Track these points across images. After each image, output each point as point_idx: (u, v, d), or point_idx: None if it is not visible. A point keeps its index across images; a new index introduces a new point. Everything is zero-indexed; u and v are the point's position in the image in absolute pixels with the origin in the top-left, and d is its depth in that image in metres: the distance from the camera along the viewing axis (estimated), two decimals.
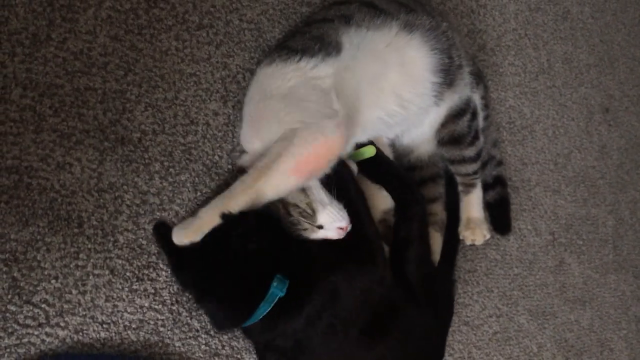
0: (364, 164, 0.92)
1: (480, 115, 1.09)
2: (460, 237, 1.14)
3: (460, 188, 1.13)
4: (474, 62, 1.14)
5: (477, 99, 1.07)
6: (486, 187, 1.25)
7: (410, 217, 0.94)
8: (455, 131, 1.00)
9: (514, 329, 1.39)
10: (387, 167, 0.95)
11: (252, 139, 0.82)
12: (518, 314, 1.39)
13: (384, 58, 0.84)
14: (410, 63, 0.86)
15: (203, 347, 0.82)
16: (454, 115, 0.98)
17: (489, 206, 1.28)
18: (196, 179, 0.84)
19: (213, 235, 0.74)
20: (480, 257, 1.30)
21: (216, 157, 0.86)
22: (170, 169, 0.81)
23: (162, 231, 0.77)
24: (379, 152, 0.92)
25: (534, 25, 1.52)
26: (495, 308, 1.33)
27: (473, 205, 1.14)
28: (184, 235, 0.75)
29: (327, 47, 0.80)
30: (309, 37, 0.83)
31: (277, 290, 0.74)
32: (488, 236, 1.14)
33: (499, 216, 1.30)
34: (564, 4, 1.61)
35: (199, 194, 0.83)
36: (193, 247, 0.74)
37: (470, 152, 1.05)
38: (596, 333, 1.69)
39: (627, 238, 1.85)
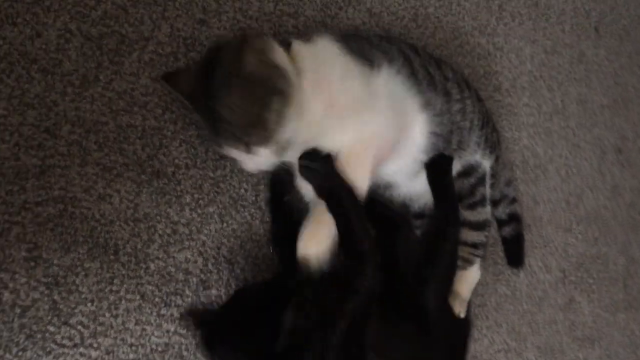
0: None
1: (487, 183, 1.07)
2: None
3: (459, 263, 1.06)
4: (493, 128, 1.16)
5: (487, 166, 1.06)
6: (501, 224, 1.30)
7: (446, 236, 0.94)
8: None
9: None
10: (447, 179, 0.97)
11: None
12: (527, 350, 1.43)
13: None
14: (405, 140, 0.89)
15: None
16: (455, 176, 0.99)
17: (504, 241, 1.33)
18: (223, 210, 0.90)
19: None
20: (490, 292, 1.35)
21: (242, 190, 0.93)
22: (200, 201, 0.88)
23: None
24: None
25: (549, 68, 1.58)
26: (504, 343, 1.37)
27: (463, 283, 1.09)
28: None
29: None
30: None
31: None
32: (462, 315, 1.07)
33: (514, 251, 1.34)
34: (579, 47, 1.68)
35: (224, 224, 0.90)
36: None
37: (471, 216, 1.03)
38: None
39: (638, 277, 1.88)
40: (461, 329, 1.07)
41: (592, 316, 1.65)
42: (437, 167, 0.94)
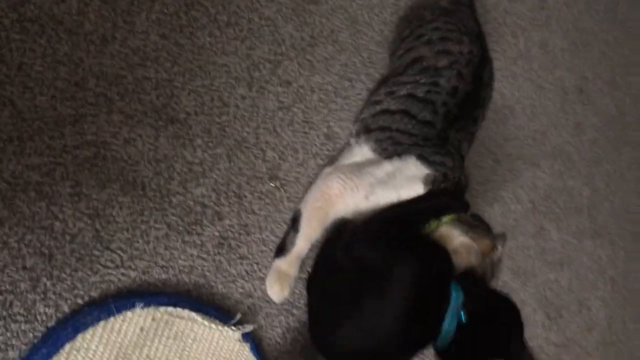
0: None
1: None
2: None
3: None
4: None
5: None
6: None
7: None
8: None
9: (499, 287, 1.61)
10: None
11: None
12: (502, 273, 1.61)
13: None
14: None
15: (240, 289, 1.03)
16: None
17: None
18: (230, 151, 1.05)
19: None
20: None
21: (244, 133, 1.07)
22: (209, 143, 1.02)
23: None
24: None
25: (512, 14, 1.73)
26: None
27: None
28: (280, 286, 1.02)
29: None
30: None
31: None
32: None
33: None
34: None
35: (232, 163, 1.04)
36: None
37: None
38: (574, 293, 1.92)
39: (602, 207, 2.07)
40: None
41: (560, 242, 1.83)
42: None
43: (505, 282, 1.62)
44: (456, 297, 0.94)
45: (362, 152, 1.09)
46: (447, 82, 1.09)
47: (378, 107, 1.12)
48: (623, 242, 2.14)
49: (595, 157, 2.05)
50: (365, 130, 1.10)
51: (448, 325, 0.93)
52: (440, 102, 1.08)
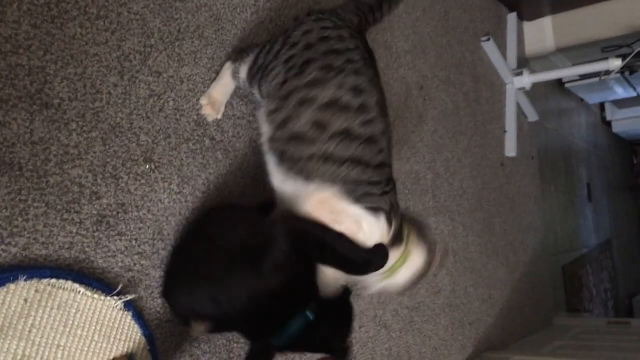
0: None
1: None
2: None
3: None
4: None
5: None
6: None
7: None
8: None
9: None
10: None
11: None
12: None
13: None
14: None
15: (120, 264, 1.11)
16: None
17: None
18: (104, 135, 1.12)
19: None
20: None
21: (118, 119, 1.15)
22: (84, 128, 1.09)
23: None
24: None
25: None
26: None
27: None
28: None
29: None
30: None
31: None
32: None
33: None
34: None
35: (107, 147, 1.12)
36: None
37: None
38: None
39: (443, 189, 2.38)
40: None
41: None
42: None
43: None
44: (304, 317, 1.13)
45: None
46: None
47: None
48: (461, 218, 2.47)
49: (436, 145, 2.35)
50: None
51: (293, 329, 1.12)
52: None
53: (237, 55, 1.36)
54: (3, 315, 0.91)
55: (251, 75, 1.30)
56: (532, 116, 3.27)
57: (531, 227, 3.22)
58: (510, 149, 2.94)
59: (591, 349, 2.65)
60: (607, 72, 2.90)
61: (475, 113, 2.68)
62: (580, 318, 3.58)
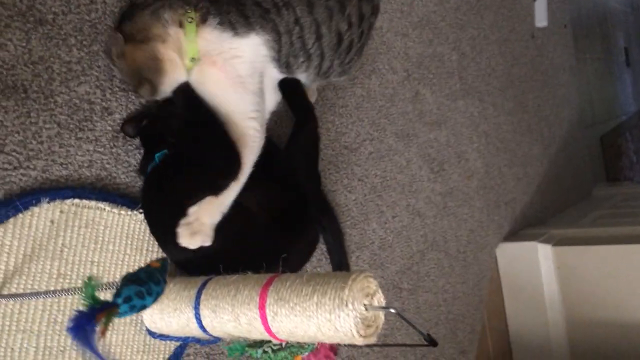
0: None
1: None
2: None
3: None
4: None
5: None
6: None
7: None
8: None
9: (385, 149, 1.78)
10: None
11: None
12: (387, 137, 1.77)
13: None
14: None
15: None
16: None
17: None
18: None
19: None
20: (349, 95, 1.64)
21: None
22: (84, 42, 1.05)
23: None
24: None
25: None
26: (368, 134, 1.70)
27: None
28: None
29: None
30: None
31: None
32: None
33: None
34: None
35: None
36: None
37: None
38: (453, 147, 2.14)
39: (469, 69, 2.28)
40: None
41: (436, 104, 2.02)
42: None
43: (390, 144, 1.78)
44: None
45: None
46: None
47: None
48: (490, 98, 2.38)
49: (460, 23, 2.22)
50: None
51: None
52: None
53: None
54: (32, 238, 0.93)
55: None
56: None
57: (566, 99, 3.10)
58: (541, 19, 2.76)
59: (633, 216, 2.61)
60: None
61: None
62: (620, 186, 3.52)
